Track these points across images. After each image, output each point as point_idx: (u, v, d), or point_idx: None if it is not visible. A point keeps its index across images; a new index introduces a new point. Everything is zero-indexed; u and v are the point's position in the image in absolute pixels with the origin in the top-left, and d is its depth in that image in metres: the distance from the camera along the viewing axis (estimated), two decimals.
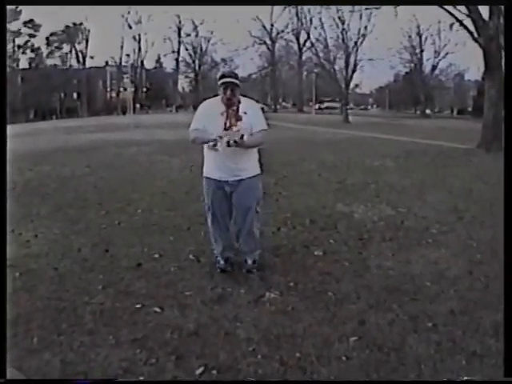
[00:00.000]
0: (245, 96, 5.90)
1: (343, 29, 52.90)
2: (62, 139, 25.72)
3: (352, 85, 68.61)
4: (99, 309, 4.96)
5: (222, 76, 5.56)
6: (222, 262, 6.05)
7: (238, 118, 5.61)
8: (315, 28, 62.21)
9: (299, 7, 67.25)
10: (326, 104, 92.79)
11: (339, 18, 52.30)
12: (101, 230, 7.86)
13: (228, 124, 5.60)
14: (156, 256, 6.48)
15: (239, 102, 5.66)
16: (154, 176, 13.06)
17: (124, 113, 77.69)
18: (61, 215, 8.90)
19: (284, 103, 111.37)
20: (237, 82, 5.54)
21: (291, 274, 5.79)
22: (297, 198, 10.03)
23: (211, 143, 5.55)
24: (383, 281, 5.60)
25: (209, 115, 5.71)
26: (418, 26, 75.35)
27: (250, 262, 6.01)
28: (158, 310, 4.91)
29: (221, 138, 5.41)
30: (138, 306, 5.00)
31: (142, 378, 3.83)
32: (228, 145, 5.38)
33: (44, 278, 5.82)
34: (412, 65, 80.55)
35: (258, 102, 6.42)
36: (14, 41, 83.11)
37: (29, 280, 5.78)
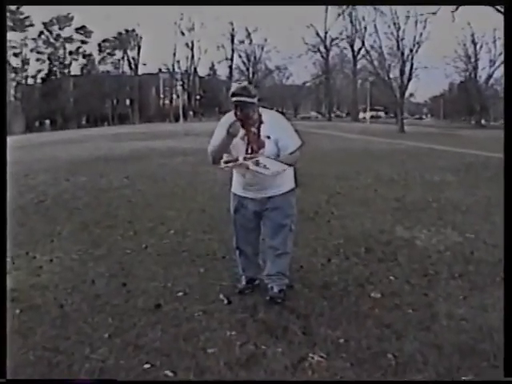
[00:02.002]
0: (269, 109, 5.09)
1: (398, 36, 51.21)
2: (107, 147, 25.07)
3: (407, 94, 66.93)
4: (98, 367, 3.97)
5: (232, 95, 4.70)
6: (243, 282, 5.48)
7: (260, 145, 4.79)
8: (370, 35, 60.92)
9: (353, 14, 66.39)
10: (371, 113, 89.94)
11: (394, 24, 50.63)
12: (124, 255, 6.88)
13: (250, 151, 4.81)
14: (180, 294, 5.42)
15: (260, 123, 4.81)
16: (196, 190, 12.13)
17: (177, 120, 77.56)
18: (84, 235, 8.01)
19: (338, 112, 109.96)
20: (249, 100, 4.67)
21: (342, 325, 4.65)
22: (351, 219, 8.88)
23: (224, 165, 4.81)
24: (455, 337, 4.43)
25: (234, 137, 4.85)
26: (473, 34, 72.82)
27: (276, 289, 5.20)
28: (169, 373, 3.86)
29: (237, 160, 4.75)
30: (147, 366, 3.97)
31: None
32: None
33: (45, 319, 4.90)
34: (467, 74, 78.16)
35: (283, 113, 5.42)
36: (64, 47, 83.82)
37: (29, 320, 4.89)
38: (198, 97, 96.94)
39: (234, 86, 4.77)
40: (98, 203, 10.70)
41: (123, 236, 7.89)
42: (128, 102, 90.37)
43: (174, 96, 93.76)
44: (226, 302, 5.16)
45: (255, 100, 4.68)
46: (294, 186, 5.16)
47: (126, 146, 25.82)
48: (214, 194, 10.87)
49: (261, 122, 4.79)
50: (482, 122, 77.26)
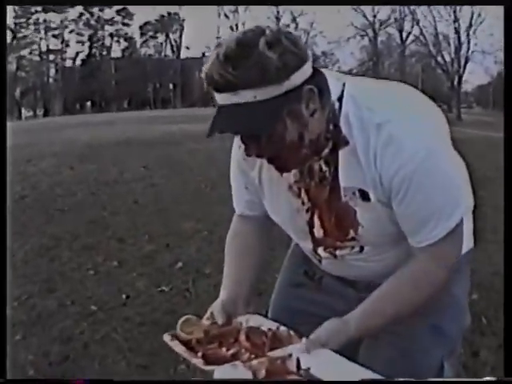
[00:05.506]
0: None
1: (455, 17, 47.56)
2: (137, 129, 22.36)
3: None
4: None
5: (208, 83, 1.33)
6: None
7: (342, 215, 1.40)
8: (424, 16, 57.35)
9: None
10: None
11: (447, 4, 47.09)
12: (83, 318, 3.77)
13: (318, 224, 1.48)
14: None
15: (336, 145, 1.34)
16: (230, 187, 9.00)
17: None
18: (43, 265, 5.06)
19: None
20: (259, 97, 1.24)
21: None
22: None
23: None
24: None
25: (269, 186, 1.56)
26: None
27: None
28: None
29: None
30: None
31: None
32: None
33: None
34: None
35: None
36: (103, 28, 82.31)
37: None
38: None
39: (207, 61, 1.35)
40: (93, 203, 7.80)
41: (99, 270, 4.78)
42: (171, 85, 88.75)
43: None
44: None
45: (296, 82, 1.26)
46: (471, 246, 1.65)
47: (158, 128, 23.14)
48: None
49: (338, 144, 1.35)
50: None
